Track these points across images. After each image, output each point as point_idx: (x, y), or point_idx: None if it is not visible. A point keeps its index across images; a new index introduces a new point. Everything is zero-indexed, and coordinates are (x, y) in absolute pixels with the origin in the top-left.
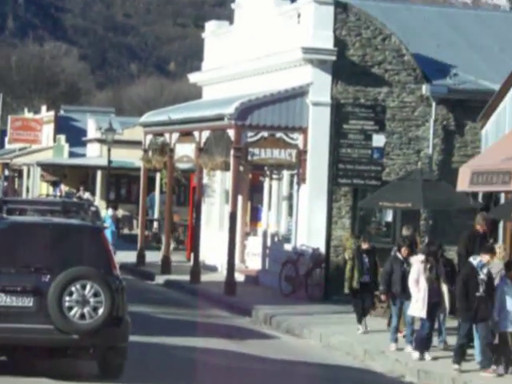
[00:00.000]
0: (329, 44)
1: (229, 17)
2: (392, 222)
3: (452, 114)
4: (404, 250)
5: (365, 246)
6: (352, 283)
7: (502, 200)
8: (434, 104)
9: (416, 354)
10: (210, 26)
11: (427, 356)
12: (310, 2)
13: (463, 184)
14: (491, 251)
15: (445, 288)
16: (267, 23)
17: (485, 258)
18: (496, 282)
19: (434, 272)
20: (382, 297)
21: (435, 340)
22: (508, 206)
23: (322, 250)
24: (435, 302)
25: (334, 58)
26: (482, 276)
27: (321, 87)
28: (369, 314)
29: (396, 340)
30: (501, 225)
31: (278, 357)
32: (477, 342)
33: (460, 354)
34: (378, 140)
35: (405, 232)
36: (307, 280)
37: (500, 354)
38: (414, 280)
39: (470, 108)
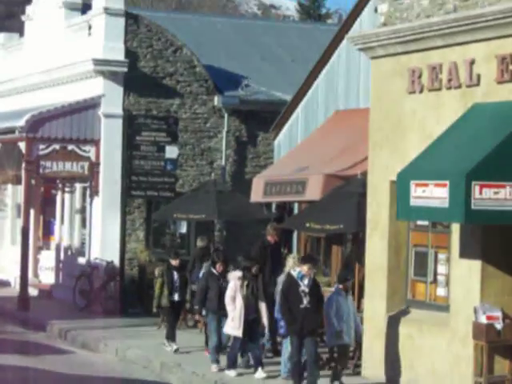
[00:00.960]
0: (120, 56)
1: (19, 29)
2: (186, 233)
3: (244, 124)
4: (219, 266)
5: (174, 262)
6: (161, 301)
7: (296, 210)
8: (226, 115)
9: (232, 373)
10: (0, 38)
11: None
12: (100, 14)
13: (257, 195)
14: (310, 261)
15: (263, 305)
16: (58, 35)
17: (303, 268)
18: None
19: (251, 288)
20: (196, 316)
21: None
22: (302, 216)
23: (117, 262)
24: (253, 319)
25: (125, 69)
26: (303, 287)
27: (113, 99)
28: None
29: (218, 361)
30: (295, 235)
31: (72, 372)
32: (285, 356)
33: (298, 374)
34: (171, 151)
35: (199, 243)
36: (102, 293)
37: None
38: (230, 297)
39: (263, 119)
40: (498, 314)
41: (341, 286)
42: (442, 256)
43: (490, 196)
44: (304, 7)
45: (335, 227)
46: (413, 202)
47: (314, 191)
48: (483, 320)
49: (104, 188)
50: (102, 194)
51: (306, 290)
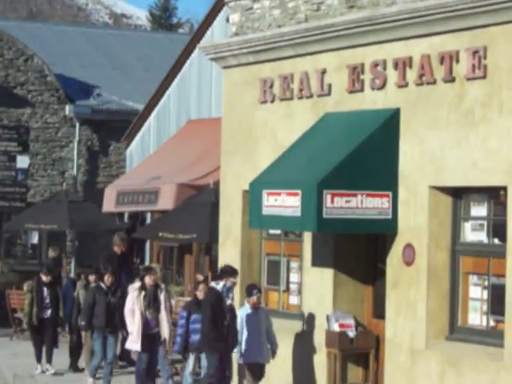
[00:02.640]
0: None
1: None
2: (38, 243)
3: (96, 134)
4: (107, 279)
5: (45, 278)
6: (32, 319)
7: (149, 220)
8: (77, 125)
9: None
10: None
11: None
12: None
13: (109, 204)
14: (234, 273)
15: (164, 317)
16: None
17: (229, 280)
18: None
19: (149, 300)
20: (83, 334)
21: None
22: (154, 226)
23: None
24: (154, 334)
25: None
26: (230, 301)
27: None
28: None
29: (94, 376)
30: (147, 244)
31: None
32: (187, 371)
33: None
34: (22, 161)
35: (51, 254)
36: None
37: None
38: (129, 310)
39: (114, 128)
40: (351, 321)
41: (250, 301)
42: (294, 264)
43: (342, 205)
44: (155, 17)
45: (188, 237)
46: (265, 211)
47: (166, 201)
48: (336, 328)
49: None
50: None
51: (231, 304)
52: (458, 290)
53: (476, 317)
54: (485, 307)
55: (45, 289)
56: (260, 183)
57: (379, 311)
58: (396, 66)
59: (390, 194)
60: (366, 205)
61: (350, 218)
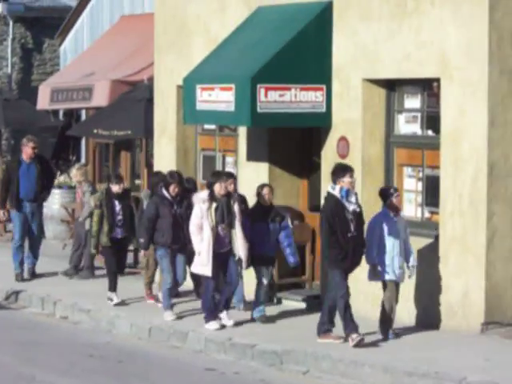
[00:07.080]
0: None
1: None
2: None
3: (30, 31)
4: (173, 188)
5: (116, 188)
6: (102, 239)
7: (84, 117)
8: (11, 22)
9: (213, 325)
10: None
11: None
12: None
13: (43, 102)
14: (348, 170)
15: (238, 233)
16: None
17: (343, 182)
18: None
19: (221, 213)
20: (142, 253)
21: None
22: (89, 123)
23: None
24: (226, 253)
25: None
26: (353, 207)
27: None
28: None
29: (172, 306)
30: (83, 142)
31: None
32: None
33: (331, 321)
34: None
35: None
36: None
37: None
38: (195, 226)
39: (48, 25)
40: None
41: (388, 204)
42: (229, 159)
43: (276, 99)
44: None
45: (123, 133)
46: (199, 106)
47: (100, 97)
48: None
49: None
50: None
51: (358, 210)
52: (393, 182)
53: (411, 208)
54: (419, 199)
55: (116, 202)
56: (193, 78)
57: (315, 204)
58: None
59: (324, 87)
60: (300, 98)
61: (284, 111)
